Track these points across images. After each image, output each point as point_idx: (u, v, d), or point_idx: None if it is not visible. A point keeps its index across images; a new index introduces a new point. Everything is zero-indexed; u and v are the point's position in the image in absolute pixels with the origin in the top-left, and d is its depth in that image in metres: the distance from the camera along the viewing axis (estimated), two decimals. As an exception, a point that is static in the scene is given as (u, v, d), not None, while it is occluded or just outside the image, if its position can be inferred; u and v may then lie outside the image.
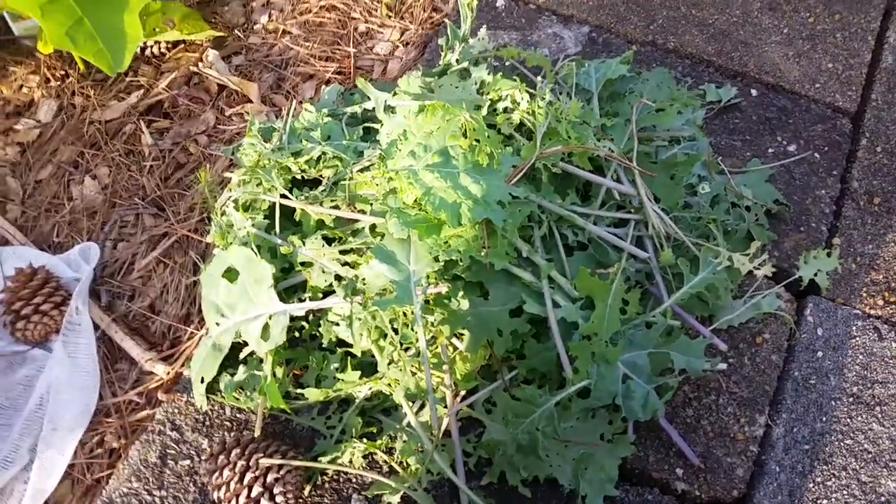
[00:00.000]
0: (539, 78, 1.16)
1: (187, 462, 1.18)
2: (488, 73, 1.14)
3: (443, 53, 1.26)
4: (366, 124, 1.29)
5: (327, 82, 1.64)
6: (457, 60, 1.21)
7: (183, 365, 1.29)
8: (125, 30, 1.38)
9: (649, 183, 1.13)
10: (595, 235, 1.07)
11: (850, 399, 1.18)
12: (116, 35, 1.37)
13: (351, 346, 1.13)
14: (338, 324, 1.15)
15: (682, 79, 1.52)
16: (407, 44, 1.69)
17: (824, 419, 1.16)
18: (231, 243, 1.23)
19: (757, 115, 1.49)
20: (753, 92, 1.52)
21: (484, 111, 1.09)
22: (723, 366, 1.16)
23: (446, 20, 1.45)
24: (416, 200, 1.04)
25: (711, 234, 1.20)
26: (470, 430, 1.13)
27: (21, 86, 1.75)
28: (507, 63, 1.48)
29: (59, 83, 1.73)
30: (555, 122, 1.06)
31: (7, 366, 1.30)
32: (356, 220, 1.15)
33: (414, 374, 1.06)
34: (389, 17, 1.75)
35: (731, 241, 1.23)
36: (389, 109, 1.19)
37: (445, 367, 1.05)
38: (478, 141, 1.03)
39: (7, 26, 1.75)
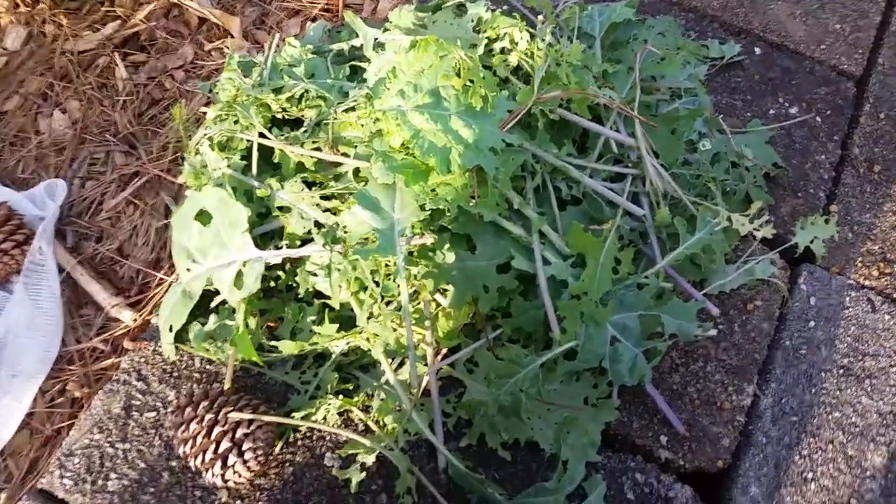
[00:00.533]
0: (539, 18, 1.09)
1: (153, 414, 1.12)
2: (486, 10, 1.07)
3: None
4: (353, 63, 1.21)
5: (313, 19, 1.55)
6: None
7: (151, 312, 1.23)
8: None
9: (650, 136, 1.07)
10: (590, 189, 1.02)
11: (841, 371, 1.14)
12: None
13: (329, 297, 1.08)
14: (316, 274, 1.09)
15: (686, 33, 1.46)
16: (401, -18, 1.61)
17: (813, 391, 1.13)
18: (205, 184, 1.17)
19: (759, 75, 1.43)
20: (757, 50, 1.46)
21: (480, 50, 1.02)
22: (713, 331, 1.12)
23: None
24: (403, 144, 0.98)
25: (710, 194, 1.15)
26: (450, 390, 1.08)
27: (-12, 11, 1.65)
28: (503, 7, 1.40)
29: (29, 9, 1.64)
30: (554, 66, 1.00)
31: (-37, 305, 1.23)
32: (339, 164, 1.08)
33: (395, 329, 1.01)
34: (382, -47, 1.66)
35: (729, 202, 1.18)
36: (378, 46, 1.11)
37: (427, 323, 1.00)
38: (472, 82, 0.96)
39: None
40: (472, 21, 1.05)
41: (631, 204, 1.01)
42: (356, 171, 1.06)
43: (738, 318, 1.17)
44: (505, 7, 1.42)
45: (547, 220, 1.01)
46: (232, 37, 1.53)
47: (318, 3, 1.57)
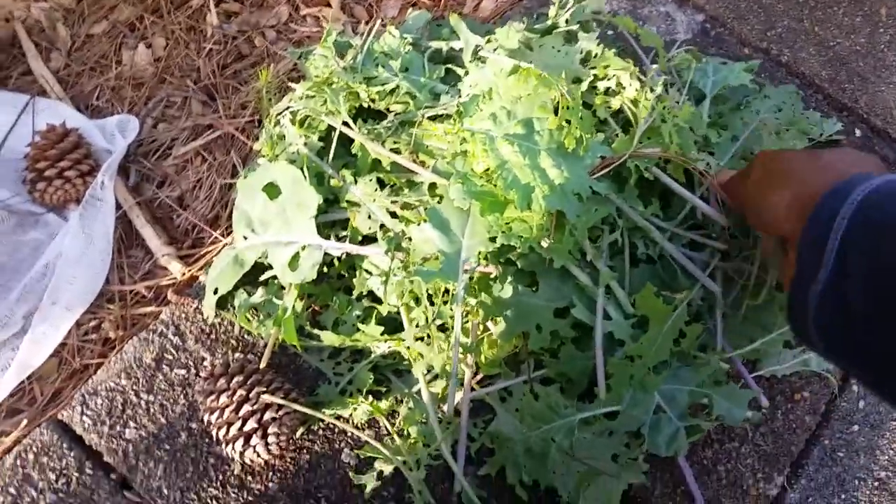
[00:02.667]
0: (653, 66, 1.05)
1: (183, 372, 1.12)
2: (597, 45, 1.03)
3: (553, 9, 1.14)
4: (448, 65, 1.18)
5: (414, 4, 1.52)
6: (566, 21, 1.09)
7: (201, 269, 1.22)
8: None
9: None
10: (668, 254, 0.99)
11: (876, 483, 1.11)
12: None
13: (379, 299, 1.06)
14: (371, 273, 1.08)
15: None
16: (507, -18, 1.56)
17: (843, 496, 1.10)
18: (278, 156, 1.15)
19: (854, 157, 1.38)
20: (857, 132, 1.40)
21: (584, 86, 0.99)
22: (759, 418, 1.09)
23: None
24: (486, 170, 0.95)
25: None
26: (479, 413, 1.07)
27: (94, -75, 1.63)
28: (609, 31, 1.35)
29: (132, -66, 1.62)
30: (659, 121, 0.96)
31: (17, 223, 1.23)
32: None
33: (440, 351, 0.99)
34: (496, -53, 1.61)
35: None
36: (479, 59, 1.08)
37: (472, 353, 0.98)
38: (568, 122, 0.93)
39: None
40: (581, 53, 1.01)
41: (708, 279, 0.98)
42: (432, 185, 1.03)
43: (782, 406, 1.14)
44: (611, 32, 1.39)
45: (616, 273, 0.98)
46: (329, 6, 1.49)
47: (422, -11, 1.54)
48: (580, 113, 0.94)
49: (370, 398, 1.06)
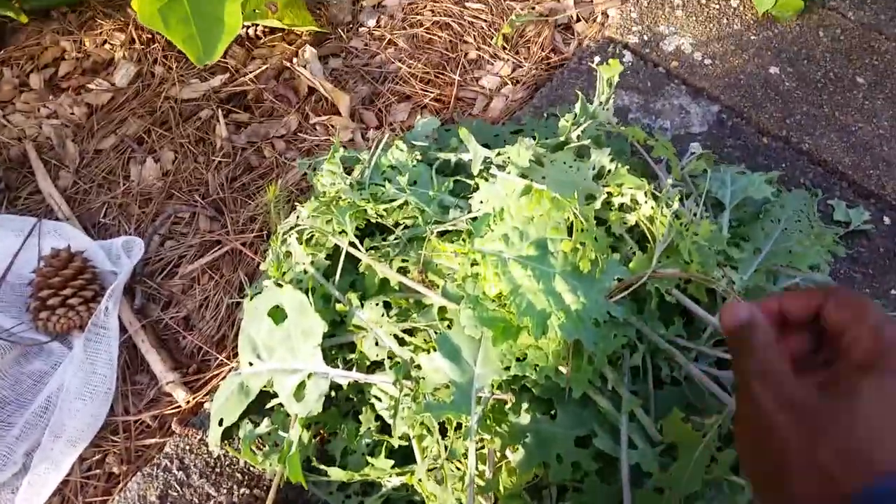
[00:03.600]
0: (668, 181, 1.00)
1: (187, 509, 1.07)
2: (610, 160, 0.99)
3: (563, 121, 1.10)
4: (457, 177, 1.15)
5: (424, 107, 1.50)
6: (577, 137, 1.05)
7: (206, 395, 1.17)
8: (224, 18, 1.25)
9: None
10: (695, 378, 0.92)
11: None
12: (213, 22, 1.24)
13: (389, 425, 1.01)
14: (380, 399, 1.02)
15: (812, 189, 1.35)
16: (517, 82, 1.54)
17: None
18: (285, 274, 1.12)
19: (885, 248, 1.31)
20: (886, 220, 1.34)
21: (597, 204, 0.94)
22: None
23: (578, 92, 1.26)
24: (499, 294, 0.90)
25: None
26: (500, 546, 1.00)
27: (105, 41, 1.66)
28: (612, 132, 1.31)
29: (143, 47, 1.63)
30: (677, 238, 0.91)
31: (21, 354, 1.20)
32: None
33: (454, 491, 0.93)
34: (504, 48, 1.60)
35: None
36: (490, 174, 1.05)
37: (490, 491, 0.92)
38: (583, 245, 0.88)
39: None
40: (594, 169, 0.97)
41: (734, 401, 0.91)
42: (442, 307, 0.99)
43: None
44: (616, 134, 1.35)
45: (640, 399, 0.92)
46: (339, 115, 1.48)
47: (431, 92, 1.52)
48: (594, 234, 0.90)
49: (383, 536, 1.00)
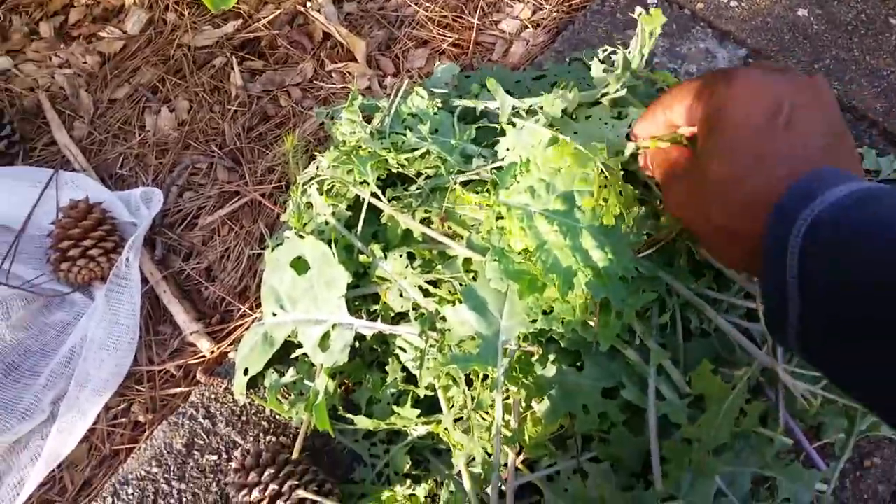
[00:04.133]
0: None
1: (214, 457, 1.08)
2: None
3: (596, 68, 1.07)
4: (480, 123, 1.12)
5: (442, 53, 1.46)
6: (616, 90, 1.01)
7: (230, 346, 1.17)
8: (240, -39, 1.22)
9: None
10: (725, 330, 0.91)
11: (963, 560, 1.02)
12: (230, -35, 1.21)
13: (415, 375, 1.01)
14: (405, 350, 1.02)
15: (840, 134, 1.32)
16: (537, 26, 1.50)
17: (926, 575, 1.01)
18: (306, 224, 1.10)
19: (916, 194, 1.29)
20: (918, 167, 1.31)
21: (625, 157, 0.92)
22: (831, 498, 1.00)
23: (620, 47, 1.22)
24: (525, 249, 0.89)
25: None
26: (524, 495, 1.00)
27: (115, -13, 1.61)
28: (642, 81, 1.28)
29: (154, -8, 1.60)
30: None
31: (44, 305, 1.20)
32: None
33: (481, 440, 0.93)
34: (524, -11, 1.55)
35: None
36: (518, 118, 1.02)
37: (515, 442, 0.92)
38: (605, 201, 0.86)
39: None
40: (630, 127, 0.94)
41: (765, 356, 0.90)
42: (466, 259, 0.98)
43: (850, 473, 1.06)
44: (643, 82, 1.31)
45: (668, 352, 0.91)
46: (355, 61, 1.44)
47: (449, 37, 1.48)
48: (619, 188, 0.88)
49: (408, 482, 1.01)
